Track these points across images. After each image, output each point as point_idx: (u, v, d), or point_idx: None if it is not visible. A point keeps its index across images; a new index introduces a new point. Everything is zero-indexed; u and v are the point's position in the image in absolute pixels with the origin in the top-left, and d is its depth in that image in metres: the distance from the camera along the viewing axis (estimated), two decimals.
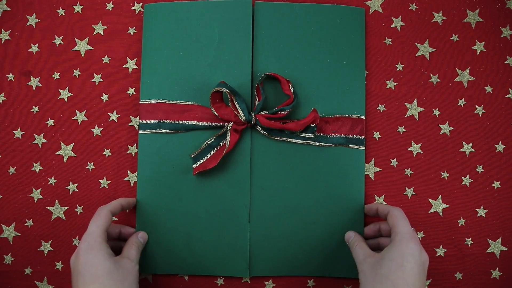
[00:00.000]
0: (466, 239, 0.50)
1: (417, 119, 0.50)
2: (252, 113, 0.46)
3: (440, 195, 0.50)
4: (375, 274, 0.40)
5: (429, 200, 0.50)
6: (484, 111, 0.50)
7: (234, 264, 0.48)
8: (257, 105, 0.46)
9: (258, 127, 0.47)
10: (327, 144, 0.48)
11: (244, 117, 0.46)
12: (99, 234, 0.42)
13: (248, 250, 0.48)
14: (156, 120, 0.48)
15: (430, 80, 0.50)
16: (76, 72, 0.50)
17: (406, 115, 0.50)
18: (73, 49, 0.50)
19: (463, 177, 0.50)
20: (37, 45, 0.50)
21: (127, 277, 0.41)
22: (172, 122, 0.48)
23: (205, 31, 0.48)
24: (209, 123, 0.47)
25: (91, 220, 0.43)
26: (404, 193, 0.50)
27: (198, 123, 0.47)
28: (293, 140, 0.47)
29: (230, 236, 0.48)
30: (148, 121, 0.48)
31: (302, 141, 0.47)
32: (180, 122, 0.48)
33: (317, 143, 0.48)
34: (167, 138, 0.48)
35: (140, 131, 0.48)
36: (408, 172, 0.50)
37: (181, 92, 0.48)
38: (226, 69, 0.48)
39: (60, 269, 0.49)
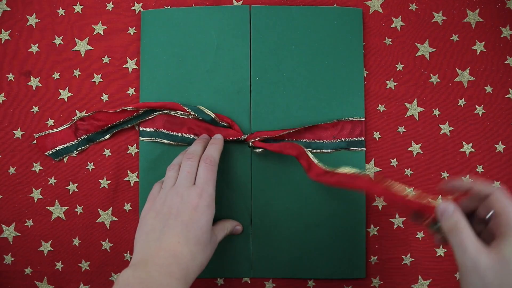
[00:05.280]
0: None
1: (417, 119, 0.50)
2: (250, 142, 0.46)
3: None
4: (501, 285, 0.28)
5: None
6: (484, 111, 0.50)
7: (237, 265, 0.47)
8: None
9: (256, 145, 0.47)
10: (328, 151, 0.48)
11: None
12: (214, 194, 0.42)
13: (250, 251, 0.47)
14: (156, 129, 0.48)
15: (430, 80, 0.50)
16: (76, 72, 0.50)
17: (406, 115, 0.50)
18: (73, 49, 0.50)
19: (463, 177, 0.50)
20: (37, 45, 0.50)
21: (210, 255, 0.41)
22: (172, 133, 0.48)
23: (203, 37, 0.48)
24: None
25: (207, 178, 0.42)
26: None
27: (197, 138, 0.47)
28: None
29: (232, 238, 0.47)
30: (148, 129, 0.48)
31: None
32: (179, 134, 0.48)
33: (318, 151, 0.48)
34: (167, 146, 0.48)
35: (141, 138, 0.48)
36: (408, 172, 0.50)
37: (180, 100, 0.48)
38: (224, 75, 0.48)
39: (60, 269, 0.49)
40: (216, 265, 0.48)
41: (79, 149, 0.48)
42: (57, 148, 0.48)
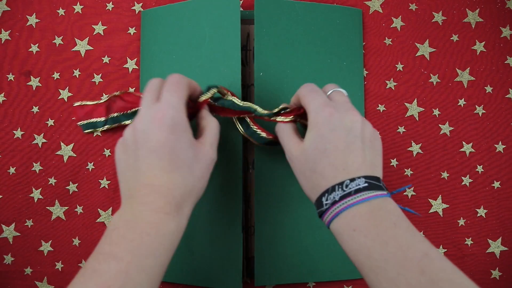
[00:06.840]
0: (466, 239, 0.50)
1: (417, 119, 0.50)
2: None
3: (440, 195, 0.50)
4: (305, 171, 0.34)
5: (429, 200, 0.50)
6: (484, 111, 0.50)
7: (228, 277, 0.46)
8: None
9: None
10: None
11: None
12: (183, 108, 0.34)
13: (241, 262, 0.46)
14: None
15: (430, 80, 0.50)
16: (76, 72, 0.50)
17: (406, 115, 0.50)
18: (73, 49, 0.50)
19: (463, 177, 0.50)
20: (37, 45, 0.50)
21: (203, 173, 0.35)
22: None
23: (195, 31, 0.48)
24: None
25: (170, 90, 0.35)
26: (404, 193, 0.50)
27: None
28: None
29: (223, 246, 0.46)
30: None
31: None
32: None
33: None
34: None
35: None
36: (408, 172, 0.50)
37: None
38: (216, 69, 0.47)
39: (60, 269, 0.49)
40: (207, 273, 0.46)
41: (106, 126, 0.48)
42: (89, 121, 0.49)
